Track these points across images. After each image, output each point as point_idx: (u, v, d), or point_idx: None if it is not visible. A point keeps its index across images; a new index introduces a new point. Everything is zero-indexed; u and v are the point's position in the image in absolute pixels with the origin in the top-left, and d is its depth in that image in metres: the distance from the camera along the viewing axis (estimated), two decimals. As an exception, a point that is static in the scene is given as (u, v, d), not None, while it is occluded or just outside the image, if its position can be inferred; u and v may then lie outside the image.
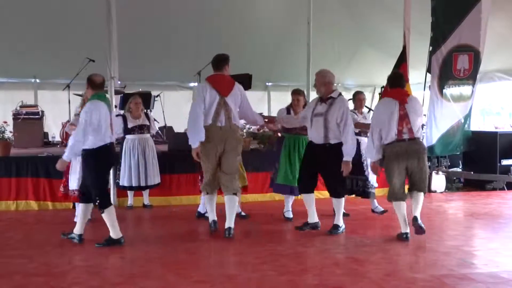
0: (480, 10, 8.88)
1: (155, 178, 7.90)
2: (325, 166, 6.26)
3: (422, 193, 6.05)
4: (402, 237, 5.95)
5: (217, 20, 11.96)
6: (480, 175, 9.62)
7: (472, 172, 9.75)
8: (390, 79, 6.25)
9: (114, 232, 5.77)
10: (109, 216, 5.70)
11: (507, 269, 4.98)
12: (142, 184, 7.79)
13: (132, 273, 4.92)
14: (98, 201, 5.67)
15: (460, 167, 10.27)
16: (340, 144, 6.16)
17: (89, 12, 10.38)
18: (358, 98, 7.46)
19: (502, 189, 9.63)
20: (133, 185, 7.74)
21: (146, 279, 4.68)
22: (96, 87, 5.78)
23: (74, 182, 6.65)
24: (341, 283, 4.59)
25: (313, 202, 6.45)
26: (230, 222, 6.05)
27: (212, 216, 6.28)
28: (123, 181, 7.74)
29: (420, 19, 9.27)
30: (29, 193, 7.85)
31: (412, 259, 5.30)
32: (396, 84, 6.17)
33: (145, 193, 8.07)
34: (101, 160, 5.70)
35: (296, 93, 7.13)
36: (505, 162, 9.54)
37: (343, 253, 5.51)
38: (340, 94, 6.36)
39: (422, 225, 5.90)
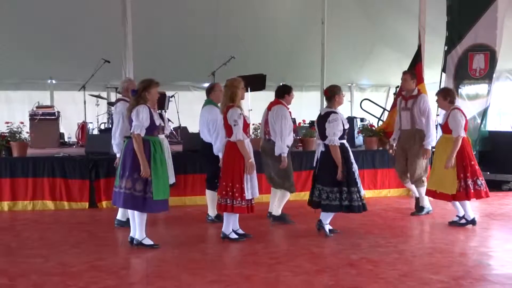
0: (496, 9, 8.81)
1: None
2: None
3: (281, 190, 6.79)
4: None
5: (231, 20, 11.98)
6: (496, 175, 9.51)
7: (488, 173, 9.62)
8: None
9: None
10: None
11: (524, 270, 4.94)
12: (157, 184, 7.79)
13: (148, 273, 4.95)
14: None
15: (476, 167, 10.16)
16: None
17: (104, 14, 10.47)
18: None
19: (519, 189, 9.52)
20: (149, 185, 7.74)
21: (162, 279, 4.70)
22: None
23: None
24: (356, 283, 4.58)
25: None
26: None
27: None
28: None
29: (436, 19, 9.23)
30: (45, 193, 7.89)
31: (428, 260, 5.26)
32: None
33: (160, 193, 8.07)
34: None
35: None
36: (522, 162, 9.42)
37: (357, 253, 5.48)
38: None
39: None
